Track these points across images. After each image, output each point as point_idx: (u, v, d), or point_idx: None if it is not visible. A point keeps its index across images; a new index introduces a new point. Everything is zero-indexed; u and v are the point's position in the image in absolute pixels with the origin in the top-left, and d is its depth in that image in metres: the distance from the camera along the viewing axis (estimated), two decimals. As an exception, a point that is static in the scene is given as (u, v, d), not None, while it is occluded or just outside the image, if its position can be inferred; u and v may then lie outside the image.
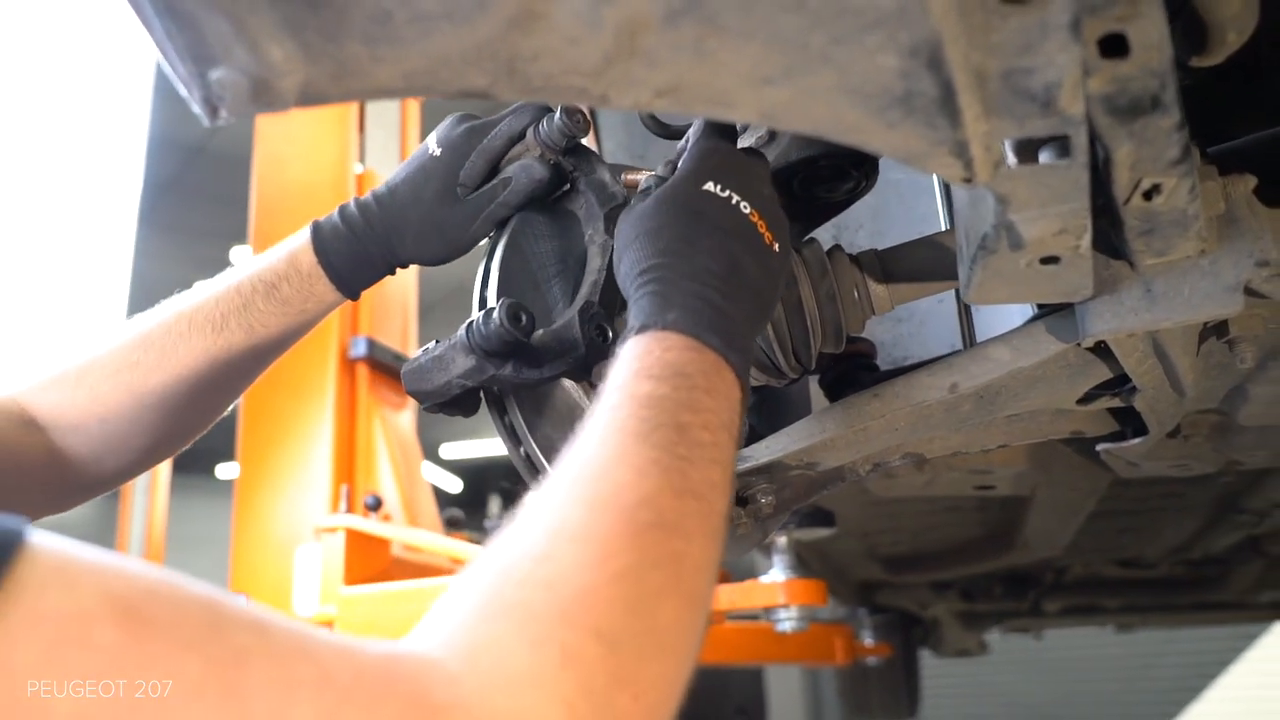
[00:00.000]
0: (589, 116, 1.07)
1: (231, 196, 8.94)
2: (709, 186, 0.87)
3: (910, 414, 1.04)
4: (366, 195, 1.10)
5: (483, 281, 1.07)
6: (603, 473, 0.65)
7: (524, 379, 0.95)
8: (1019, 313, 1.43)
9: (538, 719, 0.51)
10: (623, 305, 1.07)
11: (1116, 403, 1.17)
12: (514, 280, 1.07)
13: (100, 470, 1.06)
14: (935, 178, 1.18)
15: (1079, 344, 0.97)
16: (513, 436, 1.04)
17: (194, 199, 8.83)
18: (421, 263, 1.10)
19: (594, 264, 1.05)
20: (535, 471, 1.02)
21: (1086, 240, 0.83)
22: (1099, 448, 1.40)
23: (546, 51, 0.60)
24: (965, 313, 1.16)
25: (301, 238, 1.09)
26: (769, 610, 2.56)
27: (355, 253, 1.07)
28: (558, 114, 1.06)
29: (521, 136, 1.07)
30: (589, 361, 0.97)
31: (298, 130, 3.33)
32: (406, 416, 3.39)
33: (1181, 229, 0.86)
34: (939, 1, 0.56)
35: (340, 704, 0.49)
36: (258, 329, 1.06)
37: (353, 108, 3.33)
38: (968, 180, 0.73)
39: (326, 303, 1.09)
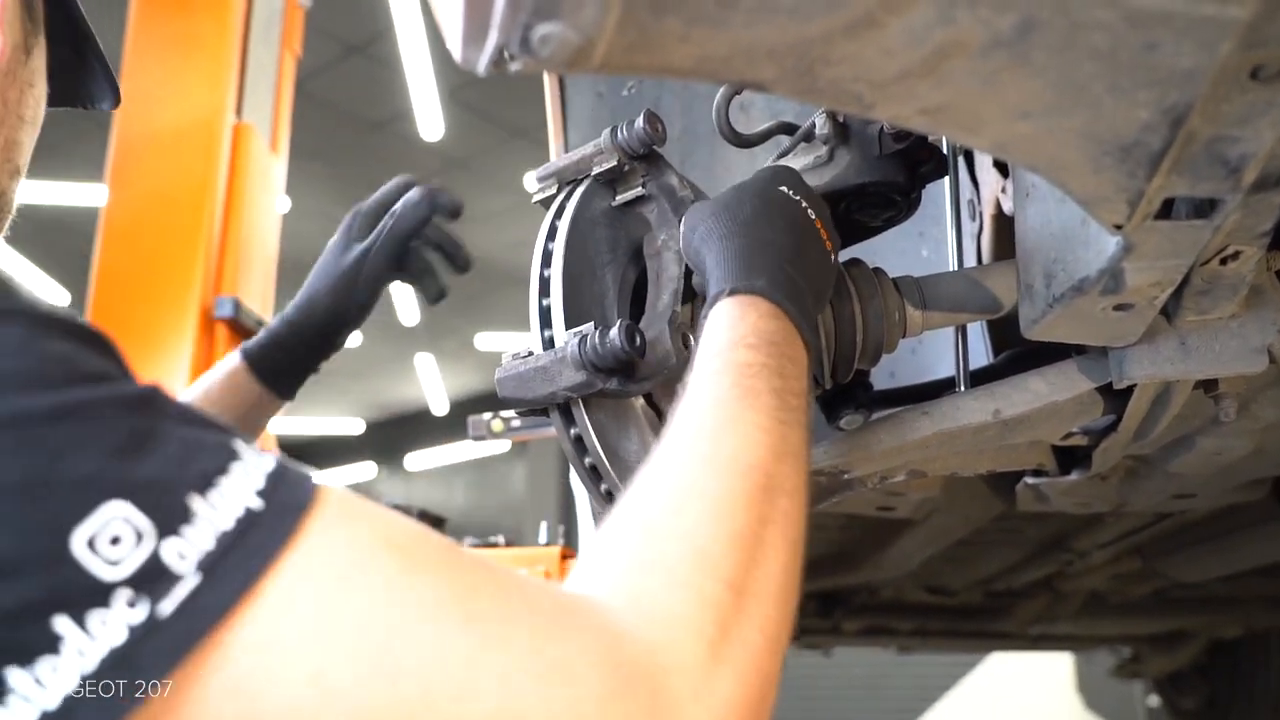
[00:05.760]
0: (665, 127, 1.08)
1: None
2: (783, 188, 0.99)
3: (948, 434, 1.11)
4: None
5: (544, 260, 1.07)
6: (719, 436, 0.74)
7: (628, 392, 0.98)
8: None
9: (681, 647, 0.62)
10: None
11: (1084, 441, 1.28)
12: (575, 263, 1.07)
13: None
14: (950, 221, 1.26)
15: (1110, 384, 1.07)
16: (579, 443, 1.04)
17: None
18: (334, 325, 1.30)
19: (671, 271, 1.06)
20: (597, 477, 1.03)
21: (1167, 294, 0.92)
22: (1027, 480, 1.52)
23: (854, 58, 0.62)
24: (962, 345, 1.25)
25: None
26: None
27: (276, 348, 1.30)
28: (639, 121, 1.07)
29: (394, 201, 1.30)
30: (680, 371, 0.99)
31: (172, 72, 3.11)
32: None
33: (1232, 293, 0.97)
34: (1215, 69, 0.63)
35: (549, 628, 0.59)
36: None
37: (234, 55, 3.16)
38: (1119, 227, 0.80)
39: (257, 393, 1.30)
